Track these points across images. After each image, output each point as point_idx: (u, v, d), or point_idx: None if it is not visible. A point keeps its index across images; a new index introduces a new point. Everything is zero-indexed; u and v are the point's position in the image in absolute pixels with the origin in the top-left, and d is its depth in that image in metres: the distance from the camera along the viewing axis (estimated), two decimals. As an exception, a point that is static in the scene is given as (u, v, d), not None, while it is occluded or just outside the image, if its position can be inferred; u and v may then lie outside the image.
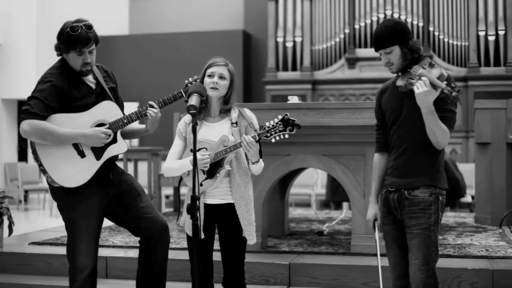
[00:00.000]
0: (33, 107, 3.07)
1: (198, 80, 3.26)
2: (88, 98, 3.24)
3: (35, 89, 3.15)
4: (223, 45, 12.74)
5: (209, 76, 3.16)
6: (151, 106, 3.28)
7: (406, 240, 2.93)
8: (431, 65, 2.86)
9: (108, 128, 3.22)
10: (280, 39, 12.55)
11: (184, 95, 3.27)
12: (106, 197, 3.31)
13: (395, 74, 3.01)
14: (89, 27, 3.17)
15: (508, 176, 6.13)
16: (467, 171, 8.51)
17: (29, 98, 3.13)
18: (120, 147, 3.28)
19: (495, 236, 5.40)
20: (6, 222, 4.96)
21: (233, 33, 13.28)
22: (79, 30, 3.13)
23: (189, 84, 3.33)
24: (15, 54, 13.02)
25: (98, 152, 3.22)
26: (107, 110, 3.25)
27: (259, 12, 13.40)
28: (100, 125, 3.22)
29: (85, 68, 3.23)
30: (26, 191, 12.18)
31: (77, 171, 3.17)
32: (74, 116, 3.18)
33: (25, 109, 3.09)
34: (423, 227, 2.85)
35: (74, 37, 3.13)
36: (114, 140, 3.25)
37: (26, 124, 3.06)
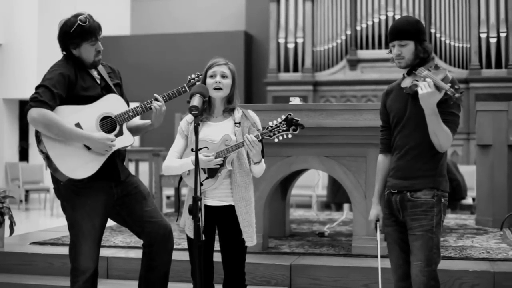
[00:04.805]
0: (41, 95, 3.07)
1: (201, 76, 3.26)
2: (94, 90, 3.25)
3: (43, 79, 3.15)
4: (224, 46, 12.74)
5: (211, 76, 3.15)
6: (156, 99, 3.29)
7: (408, 242, 2.93)
8: (437, 68, 2.89)
9: (114, 120, 3.22)
10: (281, 40, 12.55)
11: (188, 90, 3.28)
12: (110, 198, 3.30)
13: (400, 76, 3.02)
14: (91, 16, 3.23)
15: (509, 178, 6.13)
16: (468, 173, 8.51)
17: (37, 86, 3.12)
18: (126, 140, 3.28)
19: (496, 238, 5.40)
20: (7, 222, 4.97)
21: (235, 34, 13.28)
22: (88, 21, 3.18)
23: (191, 80, 3.35)
24: (17, 54, 13.03)
25: None
26: (112, 103, 3.26)
27: (260, 13, 13.39)
28: (106, 117, 3.22)
29: (98, 58, 3.26)
30: (27, 191, 12.19)
31: (83, 163, 3.15)
32: (80, 108, 3.18)
33: (33, 97, 3.08)
34: (425, 229, 2.85)
35: (86, 27, 3.17)
36: (120, 133, 3.25)
37: (36, 112, 3.05)
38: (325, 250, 4.86)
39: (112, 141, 3.16)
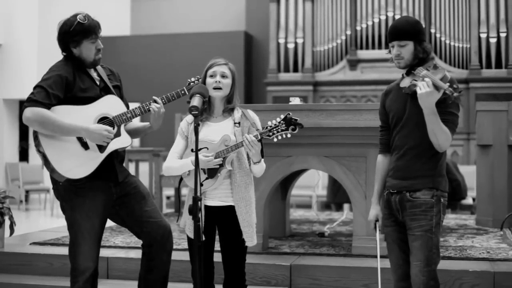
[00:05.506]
0: (35, 95, 3.08)
1: (200, 79, 3.26)
2: (92, 91, 3.25)
3: (40, 80, 3.16)
4: (224, 46, 12.74)
5: (211, 76, 3.16)
6: (155, 101, 3.29)
7: (407, 242, 2.93)
8: (435, 67, 2.89)
9: (112, 121, 3.22)
10: (281, 40, 12.55)
11: (187, 93, 3.29)
12: (110, 198, 3.30)
13: (400, 76, 3.03)
14: (90, 15, 3.25)
15: (509, 178, 6.13)
16: (468, 173, 8.51)
17: (34, 87, 3.13)
18: (123, 141, 3.28)
19: (496, 238, 5.39)
20: (7, 222, 4.97)
21: (235, 34, 13.28)
22: (88, 19, 3.20)
23: (191, 83, 3.35)
24: (17, 54, 13.04)
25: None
26: (110, 104, 3.26)
27: (260, 13, 13.40)
28: (104, 118, 3.22)
29: (98, 56, 3.27)
30: (27, 191, 12.19)
31: (80, 163, 3.16)
32: (78, 109, 3.18)
33: (28, 98, 3.10)
34: (424, 229, 2.85)
35: (86, 25, 3.18)
36: (118, 134, 3.25)
37: (29, 111, 3.06)
38: (325, 250, 4.86)
39: (109, 132, 3.15)
